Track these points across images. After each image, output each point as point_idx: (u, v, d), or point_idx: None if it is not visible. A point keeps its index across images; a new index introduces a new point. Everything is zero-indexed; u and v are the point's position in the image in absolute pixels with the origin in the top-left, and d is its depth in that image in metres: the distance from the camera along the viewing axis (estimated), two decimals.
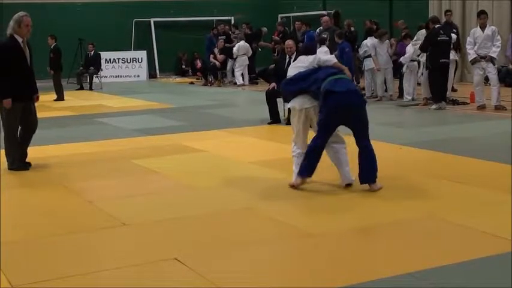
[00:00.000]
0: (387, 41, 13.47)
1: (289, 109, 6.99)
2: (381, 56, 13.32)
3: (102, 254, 4.62)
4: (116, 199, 6.06)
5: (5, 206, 5.78)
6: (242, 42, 18.48)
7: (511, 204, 5.27)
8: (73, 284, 3.98)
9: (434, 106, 11.66)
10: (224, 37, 19.49)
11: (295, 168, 6.33)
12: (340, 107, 5.94)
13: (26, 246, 4.75)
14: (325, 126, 6.02)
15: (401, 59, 12.74)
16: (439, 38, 11.75)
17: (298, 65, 6.48)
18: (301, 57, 6.62)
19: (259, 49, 19.52)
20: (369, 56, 13.69)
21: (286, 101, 6.83)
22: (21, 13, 7.47)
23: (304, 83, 6.20)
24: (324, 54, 6.59)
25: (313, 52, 6.79)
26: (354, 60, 14.31)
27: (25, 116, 7.48)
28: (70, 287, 3.95)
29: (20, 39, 7.37)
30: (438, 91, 11.71)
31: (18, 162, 7.45)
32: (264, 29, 19.77)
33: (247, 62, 18.51)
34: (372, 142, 6.80)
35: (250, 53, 18.46)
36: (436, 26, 11.86)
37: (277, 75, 11.02)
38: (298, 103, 6.27)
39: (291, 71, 6.49)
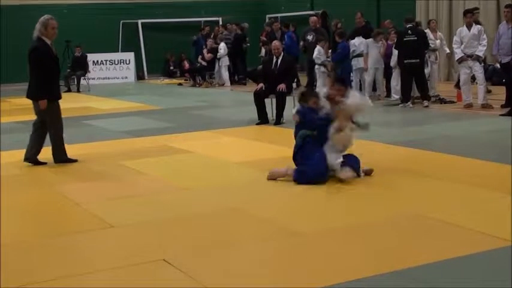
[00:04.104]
0: (381, 41, 13.44)
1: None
2: (372, 55, 13.32)
3: (90, 256, 4.61)
4: (103, 201, 6.04)
5: None
6: (222, 44, 18.64)
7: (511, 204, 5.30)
8: (62, 286, 3.96)
9: (401, 105, 12.05)
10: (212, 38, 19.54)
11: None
12: None
13: (14, 249, 4.73)
14: None
15: (391, 64, 12.76)
16: (405, 39, 11.86)
17: None
18: None
19: (248, 44, 19.52)
20: (357, 55, 13.72)
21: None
22: (46, 16, 7.76)
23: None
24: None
25: None
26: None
27: None
28: None
29: (48, 41, 7.62)
30: (404, 91, 12.07)
31: (65, 156, 7.84)
32: (245, 25, 19.83)
33: (228, 63, 18.80)
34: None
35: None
36: (407, 26, 11.99)
37: (264, 75, 11.06)
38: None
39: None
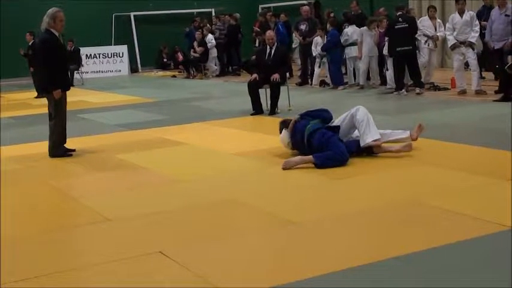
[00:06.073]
0: (375, 29, 13.40)
1: None
2: (367, 44, 13.28)
3: (87, 249, 4.61)
4: (99, 194, 6.04)
5: None
6: (210, 35, 18.69)
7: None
8: (59, 281, 3.97)
9: (395, 93, 12.07)
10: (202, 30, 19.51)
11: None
12: None
13: (11, 244, 4.72)
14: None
15: (384, 52, 12.73)
16: (396, 26, 11.85)
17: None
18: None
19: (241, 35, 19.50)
20: (351, 44, 13.70)
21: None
22: (55, 8, 7.81)
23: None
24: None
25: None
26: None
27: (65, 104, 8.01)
28: (57, 283, 3.94)
29: (56, 33, 7.69)
30: (396, 78, 12.10)
31: (61, 149, 7.84)
32: (237, 15, 19.81)
33: (216, 54, 18.97)
34: None
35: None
36: (398, 14, 11.99)
37: (258, 66, 11.04)
38: None
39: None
